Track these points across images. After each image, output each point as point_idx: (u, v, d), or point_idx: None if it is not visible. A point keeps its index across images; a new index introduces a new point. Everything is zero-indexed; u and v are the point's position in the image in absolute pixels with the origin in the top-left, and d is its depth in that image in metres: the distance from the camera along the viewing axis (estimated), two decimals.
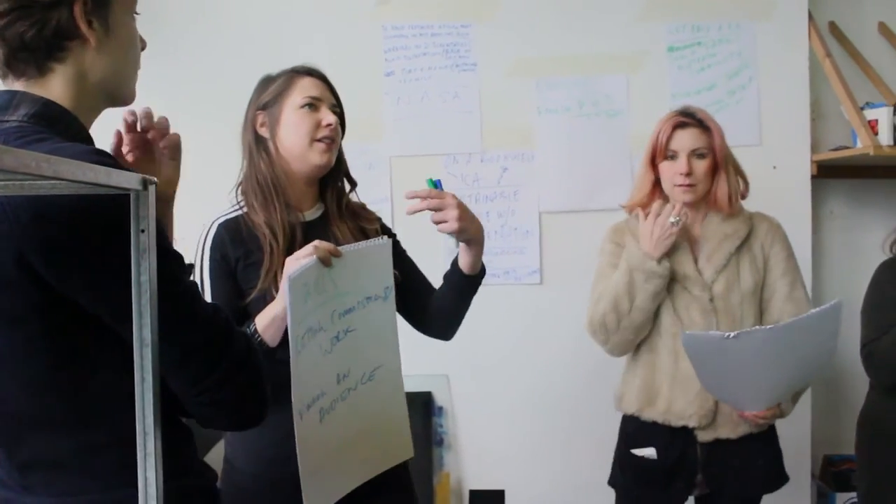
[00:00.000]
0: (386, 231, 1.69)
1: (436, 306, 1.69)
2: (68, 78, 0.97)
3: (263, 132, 1.58)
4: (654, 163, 1.98)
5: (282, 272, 1.36)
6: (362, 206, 1.70)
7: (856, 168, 2.70)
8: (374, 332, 1.43)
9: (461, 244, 1.61)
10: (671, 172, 1.94)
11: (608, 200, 2.50)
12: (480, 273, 1.66)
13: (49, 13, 0.93)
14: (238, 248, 1.51)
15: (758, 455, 1.95)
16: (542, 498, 2.68)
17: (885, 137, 2.44)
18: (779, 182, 2.59)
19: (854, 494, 2.44)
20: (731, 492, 1.96)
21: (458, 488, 2.72)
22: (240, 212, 1.56)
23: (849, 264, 2.73)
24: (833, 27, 2.76)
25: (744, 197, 2.00)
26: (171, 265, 0.91)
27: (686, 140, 1.92)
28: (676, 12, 2.68)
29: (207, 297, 1.47)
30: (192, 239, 1.52)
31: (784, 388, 1.87)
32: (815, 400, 2.63)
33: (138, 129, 1.16)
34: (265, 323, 1.40)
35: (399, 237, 1.74)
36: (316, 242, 1.33)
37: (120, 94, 1.05)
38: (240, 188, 1.60)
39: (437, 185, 1.58)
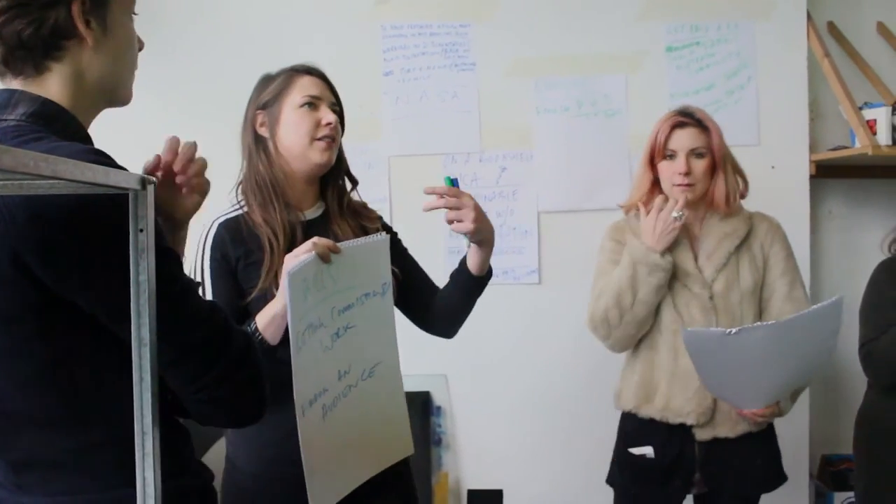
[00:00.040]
0: (387, 230, 1.69)
1: (441, 305, 1.70)
2: (66, 77, 0.97)
3: (263, 132, 1.58)
4: (652, 163, 1.98)
5: (282, 271, 1.36)
6: (363, 205, 1.70)
7: (854, 168, 2.70)
8: (373, 328, 1.43)
9: (472, 245, 1.61)
10: (670, 172, 1.94)
11: (607, 200, 2.50)
12: (488, 274, 1.67)
13: (47, 12, 0.93)
14: (238, 247, 1.51)
15: (756, 454, 1.96)
16: (540, 497, 2.68)
17: (883, 137, 2.44)
18: (777, 182, 2.59)
19: (852, 494, 2.44)
20: (729, 491, 1.96)
21: (456, 488, 2.72)
22: (240, 211, 1.56)
23: (847, 264, 2.73)
24: (832, 27, 2.76)
25: (743, 196, 2.01)
26: (169, 264, 0.91)
27: (685, 140, 1.93)
28: (675, 12, 2.68)
29: (208, 297, 1.47)
30: (193, 239, 1.51)
31: (784, 386, 1.87)
32: (814, 399, 2.64)
33: (172, 162, 1.12)
34: (266, 321, 1.40)
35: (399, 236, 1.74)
36: (315, 239, 1.32)
37: (117, 95, 1.05)
38: (239, 188, 1.60)
39: (454, 183, 1.58)
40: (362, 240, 1.42)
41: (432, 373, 2.67)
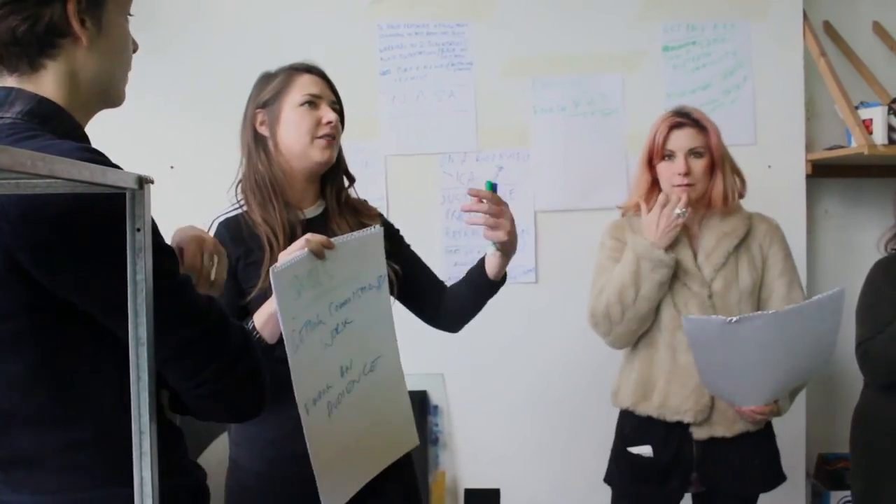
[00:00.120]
0: (388, 226, 1.69)
1: (452, 302, 1.71)
2: (60, 75, 0.96)
3: (263, 130, 1.58)
4: (651, 163, 1.99)
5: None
6: (363, 202, 1.71)
7: (850, 167, 2.70)
8: (371, 321, 1.43)
9: (497, 252, 1.62)
10: (669, 172, 1.94)
11: (604, 199, 2.50)
12: (503, 279, 1.69)
13: (42, 9, 0.93)
14: (239, 246, 1.51)
15: (755, 454, 1.96)
16: (537, 496, 2.68)
17: (879, 136, 2.45)
18: (774, 181, 2.60)
19: (849, 493, 2.44)
20: (727, 490, 1.96)
21: (453, 487, 2.71)
22: (240, 210, 1.56)
23: (843, 263, 2.73)
24: (827, 26, 2.77)
25: (741, 196, 2.01)
26: (165, 260, 0.91)
27: (683, 140, 1.93)
28: (671, 12, 2.68)
29: None
30: None
31: (783, 383, 1.87)
32: (810, 398, 2.64)
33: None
34: (263, 320, 1.40)
35: None
36: (308, 236, 1.32)
37: (110, 96, 1.05)
38: (239, 186, 1.59)
39: (494, 188, 1.59)
40: (357, 233, 1.42)
41: (429, 372, 2.66)
